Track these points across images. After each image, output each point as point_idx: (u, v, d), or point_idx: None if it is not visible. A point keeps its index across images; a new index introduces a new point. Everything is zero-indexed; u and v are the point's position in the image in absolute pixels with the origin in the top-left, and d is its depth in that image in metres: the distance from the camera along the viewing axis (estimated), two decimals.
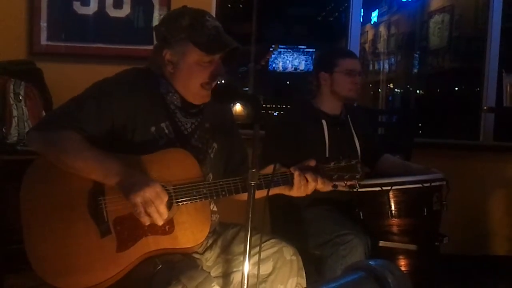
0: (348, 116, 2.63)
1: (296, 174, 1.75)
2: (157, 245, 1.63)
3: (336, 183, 1.78)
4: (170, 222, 1.64)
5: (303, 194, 1.79)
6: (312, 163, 1.77)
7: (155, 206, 1.55)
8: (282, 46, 6.36)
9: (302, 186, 1.76)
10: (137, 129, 1.71)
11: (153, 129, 1.73)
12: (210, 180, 1.82)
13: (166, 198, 1.57)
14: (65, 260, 1.57)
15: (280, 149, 2.35)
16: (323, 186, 1.79)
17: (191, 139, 1.82)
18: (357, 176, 1.79)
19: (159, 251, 1.63)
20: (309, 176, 1.75)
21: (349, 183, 1.81)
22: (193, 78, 1.75)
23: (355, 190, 2.24)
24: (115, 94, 1.70)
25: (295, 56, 6.35)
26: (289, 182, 1.76)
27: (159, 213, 1.56)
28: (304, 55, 6.31)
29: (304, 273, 1.84)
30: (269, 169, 1.74)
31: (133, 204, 1.55)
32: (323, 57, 2.72)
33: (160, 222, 1.58)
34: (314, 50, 6.24)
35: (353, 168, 1.79)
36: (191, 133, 1.83)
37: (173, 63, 1.76)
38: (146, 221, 1.57)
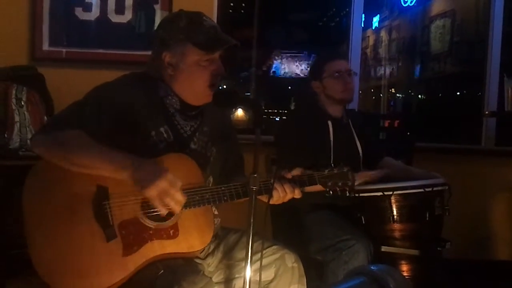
0: (349, 119, 2.66)
1: (277, 186, 1.70)
2: (162, 249, 1.63)
3: (330, 190, 1.79)
4: (174, 227, 1.64)
5: (279, 202, 1.75)
6: (289, 175, 1.74)
7: (170, 195, 1.55)
8: (283, 51, 6.37)
9: (281, 198, 1.72)
10: (138, 134, 1.71)
11: (153, 133, 1.74)
12: (211, 184, 1.83)
13: (180, 184, 1.56)
14: (71, 265, 1.56)
15: (295, 151, 2.37)
16: (300, 195, 1.75)
17: (190, 143, 1.82)
18: (348, 184, 1.80)
19: (165, 255, 1.63)
20: (287, 188, 1.71)
21: (341, 190, 1.81)
22: (195, 79, 1.76)
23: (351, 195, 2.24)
24: (115, 99, 1.71)
25: (297, 61, 6.35)
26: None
27: (176, 201, 1.57)
28: (305, 60, 6.31)
29: (305, 280, 1.84)
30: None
31: (149, 198, 1.55)
32: (312, 67, 2.78)
33: (178, 209, 1.59)
34: (315, 55, 6.24)
35: (344, 176, 1.79)
36: (190, 136, 1.83)
37: (173, 65, 1.77)
38: (164, 212, 1.57)
